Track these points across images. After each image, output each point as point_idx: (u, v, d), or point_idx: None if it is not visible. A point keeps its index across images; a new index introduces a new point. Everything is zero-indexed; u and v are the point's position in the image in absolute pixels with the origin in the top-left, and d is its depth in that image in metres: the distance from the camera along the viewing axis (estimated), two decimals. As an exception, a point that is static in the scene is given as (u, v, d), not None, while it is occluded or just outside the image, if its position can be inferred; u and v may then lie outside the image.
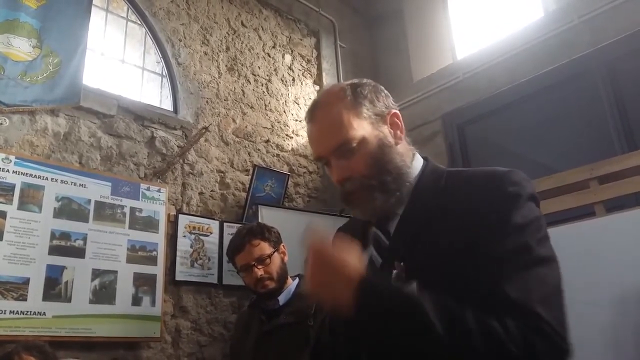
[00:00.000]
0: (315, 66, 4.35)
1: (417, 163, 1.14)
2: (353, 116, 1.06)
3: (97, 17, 3.15)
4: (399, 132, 1.11)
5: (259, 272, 2.19)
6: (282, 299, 2.21)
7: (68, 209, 2.61)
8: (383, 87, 1.16)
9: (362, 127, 1.06)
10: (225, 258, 3.08)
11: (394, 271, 0.99)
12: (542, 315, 0.86)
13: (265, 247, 2.23)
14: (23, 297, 2.35)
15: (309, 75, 4.26)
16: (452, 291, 0.91)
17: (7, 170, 2.47)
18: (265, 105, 3.83)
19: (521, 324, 0.85)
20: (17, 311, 2.32)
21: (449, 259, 0.95)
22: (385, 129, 1.09)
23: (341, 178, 1.06)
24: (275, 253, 2.25)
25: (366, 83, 1.13)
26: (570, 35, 3.28)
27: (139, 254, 2.78)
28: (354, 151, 1.05)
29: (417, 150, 1.16)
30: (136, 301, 2.70)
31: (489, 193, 0.99)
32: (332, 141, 1.06)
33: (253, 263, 2.21)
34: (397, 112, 1.13)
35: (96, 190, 2.73)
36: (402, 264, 0.99)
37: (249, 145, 3.60)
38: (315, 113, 1.11)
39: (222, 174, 3.39)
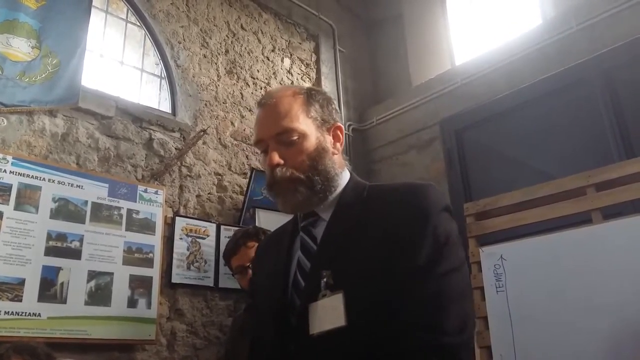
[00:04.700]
0: (314, 70, 4.35)
1: (345, 176, 1.20)
2: (301, 112, 1.13)
3: (96, 19, 3.15)
4: (338, 144, 1.19)
5: (251, 274, 2.20)
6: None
7: (65, 210, 2.60)
8: (335, 102, 1.25)
9: (306, 125, 1.13)
10: (221, 261, 3.08)
11: (322, 279, 1.02)
12: (444, 329, 0.93)
13: None
14: (18, 298, 2.34)
15: (307, 79, 4.27)
16: (375, 302, 0.97)
17: (4, 171, 2.46)
18: (264, 108, 3.82)
19: (425, 347, 0.92)
20: (12, 312, 2.31)
21: (371, 270, 1.00)
22: (327, 136, 1.17)
23: (274, 163, 1.10)
24: None
25: (321, 91, 1.23)
26: (568, 43, 3.30)
27: (135, 256, 2.77)
28: (294, 143, 1.11)
29: (348, 167, 1.23)
30: (132, 303, 2.68)
31: (404, 207, 1.05)
32: (276, 127, 1.12)
33: (247, 265, 2.21)
34: (342, 126, 1.21)
35: (93, 191, 2.73)
36: (329, 271, 1.03)
37: (246, 148, 3.60)
38: (267, 100, 1.17)
39: (220, 177, 3.39)
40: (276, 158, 1.10)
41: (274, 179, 1.11)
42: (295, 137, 1.11)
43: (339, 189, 1.16)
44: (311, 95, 1.17)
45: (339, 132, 1.19)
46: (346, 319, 0.97)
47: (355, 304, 0.97)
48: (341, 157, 1.20)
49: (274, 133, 1.12)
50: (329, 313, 0.99)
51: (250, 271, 2.21)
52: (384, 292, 0.97)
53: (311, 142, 1.12)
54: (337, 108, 1.24)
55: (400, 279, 0.97)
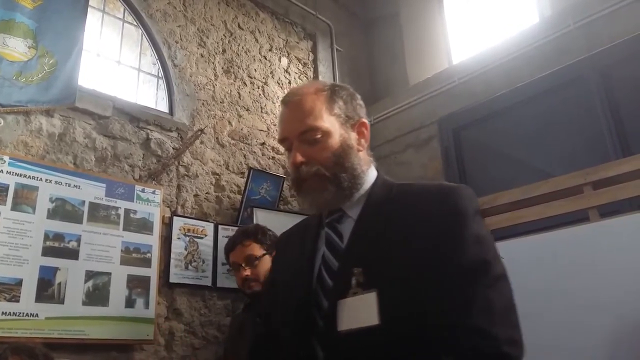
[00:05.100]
0: (312, 69, 4.35)
1: (372, 173, 1.18)
2: (325, 110, 1.12)
3: (93, 18, 3.14)
4: (363, 140, 1.17)
5: (245, 272, 2.21)
6: (276, 302, 2.20)
7: (62, 210, 2.60)
8: (360, 97, 1.22)
9: (330, 122, 1.12)
10: (219, 261, 3.09)
11: (353, 277, 1.01)
12: (501, 338, 0.90)
13: (256, 249, 2.24)
14: (16, 298, 2.33)
15: (305, 78, 4.26)
16: (410, 302, 0.94)
17: (1, 171, 2.45)
18: (262, 108, 3.83)
19: (482, 354, 0.89)
20: (10, 312, 2.30)
21: (405, 270, 0.98)
22: (352, 133, 1.15)
23: (299, 161, 1.10)
24: (267, 256, 2.25)
25: (345, 87, 1.21)
26: (565, 41, 3.30)
27: (133, 255, 2.77)
28: (318, 141, 1.10)
29: (374, 163, 1.21)
30: (130, 303, 2.68)
31: (438, 207, 1.02)
32: (300, 125, 1.11)
33: (241, 263, 2.22)
34: (367, 123, 1.19)
35: (90, 191, 2.72)
36: (360, 269, 1.01)
37: (244, 148, 3.60)
38: (291, 98, 1.16)
39: (218, 176, 3.38)
40: (299, 157, 1.10)
41: (299, 177, 1.11)
42: (319, 135, 1.10)
43: (366, 186, 1.14)
44: (335, 92, 1.16)
45: (363, 129, 1.17)
46: (379, 317, 0.95)
47: (389, 303, 0.96)
48: (367, 154, 1.18)
49: (298, 131, 1.11)
50: (360, 311, 0.97)
51: (242, 269, 2.22)
52: (421, 292, 0.95)
53: (335, 140, 1.11)
54: (362, 103, 1.22)
55: (443, 281, 0.94)
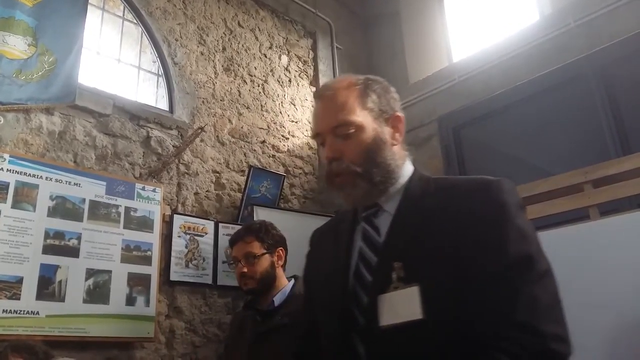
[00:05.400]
0: (312, 67, 4.35)
1: (408, 168, 1.16)
2: (358, 104, 1.11)
3: (93, 16, 3.13)
4: (397, 134, 1.15)
5: (242, 268, 2.21)
6: (277, 300, 2.21)
7: (62, 208, 2.60)
8: (395, 90, 1.21)
9: (363, 116, 1.11)
10: (220, 259, 3.09)
11: (393, 272, 0.99)
12: (548, 334, 0.88)
13: (256, 247, 2.24)
14: (16, 296, 2.33)
15: (305, 76, 4.26)
16: (453, 296, 0.93)
17: (1, 169, 2.45)
18: (262, 106, 3.83)
19: (530, 350, 0.87)
20: (10, 310, 2.30)
21: (447, 264, 0.96)
22: (385, 127, 1.13)
23: (331, 156, 1.10)
24: (267, 255, 2.24)
25: (379, 81, 1.19)
26: (565, 39, 3.30)
27: (133, 253, 2.77)
28: (350, 136, 1.09)
29: (411, 157, 1.19)
30: (130, 301, 2.68)
31: (479, 201, 1.00)
32: (332, 120, 1.10)
33: (239, 260, 2.23)
34: (401, 116, 1.16)
35: (91, 189, 2.72)
36: (400, 263, 1.00)
37: (244, 146, 3.60)
38: (324, 92, 1.16)
39: (218, 174, 3.38)
40: (331, 152, 1.10)
41: (331, 173, 1.11)
42: (351, 130, 1.09)
43: (403, 180, 1.13)
44: (368, 85, 1.15)
45: (398, 122, 1.15)
46: (423, 312, 0.94)
47: (432, 298, 0.95)
48: (402, 148, 1.17)
49: (330, 126, 1.11)
50: (402, 306, 0.96)
51: (239, 265, 2.22)
52: (463, 287, 0.94)
53: (368, 135, 1.10)
54: (397, 96, 1.20)
55: (486, 277, 0.93)
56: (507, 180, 1.05)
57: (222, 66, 3.68)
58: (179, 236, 3.01)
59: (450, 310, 0.94)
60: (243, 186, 3.38)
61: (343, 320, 1.04)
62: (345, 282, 1.07)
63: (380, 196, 1.11)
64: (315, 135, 1.16)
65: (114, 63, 3.22)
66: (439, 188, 1.09)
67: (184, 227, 3.05)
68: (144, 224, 2.87)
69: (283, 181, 3.57)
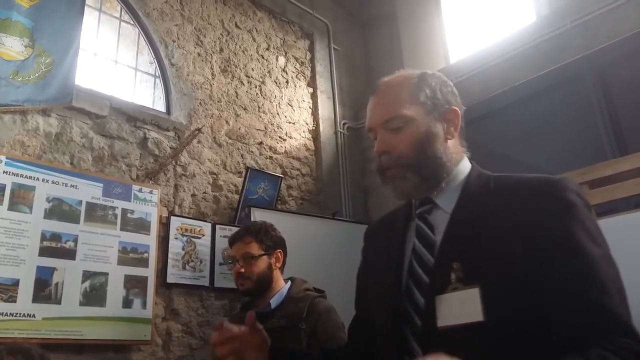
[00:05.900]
0: (309, 68, 4.35)
1: (465, 164, 1.15)
2: (409, 98, 1.11)
3: (90, 17, 3.13)
4: (452, 129, 1.13)
5: (239, 269, 2.21)
6: (273, 302, 2.20)
7: (59, 210, 2.59)
8: (452, 85, 1.19)
9: (414, 110, 1.10)
10: (217, 260, 3.08)
11: (452, 272, 0.97)
12: (632, 335, 0.86)
13: (254, 247, 2.23)
14: (12, 299, 2.33)
15: (302, 77, 4.26)
16: (517, 298, 0.91)
17: (-2, 171, 2.45)
18: (259, 107, 3.82)
19: (635, 346, 0.85)
20: (6, 313, 2.29)
21: (510, 265, 0.94)
22: (438, 121, 1.12)
23: (380, 150, 1.10)
24: (264, 256, 2.23)
25: (436, 75, 1.18)
26: (562, 40, 3.31)
27: (130, 255, 2.76)
28: (401, 130, 1.09)
29: (467, 154, 1.17)
30: (127, 303, 2.68)
31: (544, 200, 0.97)
32: (383, 114, 1.11)
33: (238, 259, 2.23)
34: (458, 110, 1.14)
35: (87, 191, 2.72)
36: (459, 264, 0.98)
37: (242, 147, 3.59)
38: (378, 87, 1.16)
39: (215, 176, 3.38)
40: (381, 146, 1.10)
41: (382, 166, 1.11)
42: (401, 124, 1.08)
43: (460, 176, 1.11)
44: (423, 80, 1.14)
45: (453, 116, 1.13)
46: (484, 314, 0.92)
47: (493, 299, 0.92)
48: (457, 143, 1.15)
49: (381, 120, 1.11)
50: (461, 307, 0.94)
51: (236, 265, 2.22)
52: (526, 289, 0.91)
53: (419, 129, 1.08)
54: (455, 91, 1.18)
55: (554, 279, 0.91)
56: (571, 180, 1.02)
57: (220, 67, 3.68)
58: (176, 238, 3.00)
59: (511, 311, 0.92)
60: (240, 188, 3.38)
61: (398, 320, 1.03)
62: (398, 280, 1.06)
63: (430, 190, 1.10)
64: (369, 129, 1.15)
65: (111, 64, 3.21)
66: (499, 186, 1.07)
67: (181, 229, 3.04)
68: (141, 225, 2.86)
69: (280, 183, 3.57)
